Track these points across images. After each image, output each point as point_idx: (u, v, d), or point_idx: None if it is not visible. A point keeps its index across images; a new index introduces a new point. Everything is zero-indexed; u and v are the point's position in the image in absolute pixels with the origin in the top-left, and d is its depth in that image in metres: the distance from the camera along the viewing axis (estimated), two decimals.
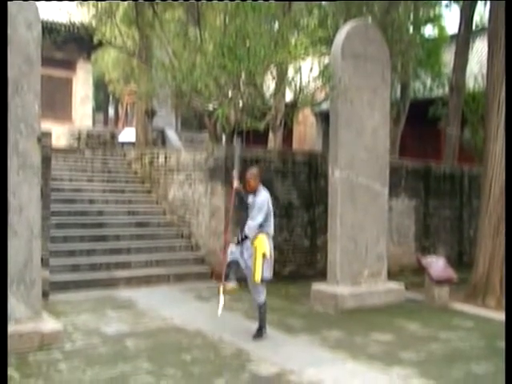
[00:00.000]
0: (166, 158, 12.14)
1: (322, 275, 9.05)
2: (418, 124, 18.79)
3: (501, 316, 8.23)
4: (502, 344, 6.65)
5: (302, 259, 10.63)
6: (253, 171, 6.60)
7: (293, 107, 11.93)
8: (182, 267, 10.12)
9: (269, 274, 6.40)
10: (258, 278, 6.19)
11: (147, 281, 9.39)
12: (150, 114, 17.20)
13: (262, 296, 6.46)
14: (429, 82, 19.13)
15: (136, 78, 15.59)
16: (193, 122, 26.52)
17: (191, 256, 10.61)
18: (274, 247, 10.00)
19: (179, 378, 5.15)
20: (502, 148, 9.35)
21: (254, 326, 6.71)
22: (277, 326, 7.02)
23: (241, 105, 10.77)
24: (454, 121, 15.80)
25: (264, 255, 6.29)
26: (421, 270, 9.16)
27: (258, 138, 15.98)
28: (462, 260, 12.57)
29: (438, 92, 18.66)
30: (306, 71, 10.80)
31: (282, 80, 11.49)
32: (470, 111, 16.15)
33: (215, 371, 5.35)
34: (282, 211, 10.47)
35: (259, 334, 6.47)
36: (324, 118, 21.39)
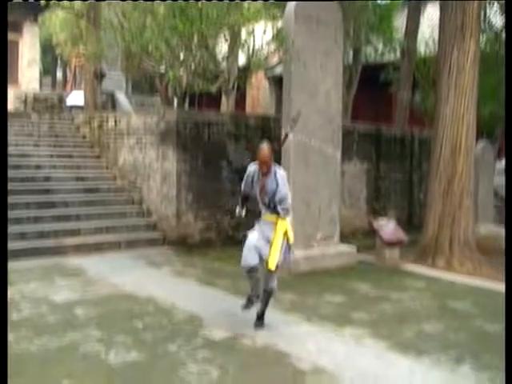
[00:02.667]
0: (115, 121, 11.79)
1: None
2: (369, 88, 18.85)
3: (450, 276, 8.48)
4: (452, 303, 6.85)
5: (254, 223, 10.58)
6: (268, 150, 5.40)
7: (246, 70, 11.74)
8: (133, 234, 9.95)
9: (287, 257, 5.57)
10: (273, 265, 5.31)
11: (97, 248, 9.19)
12: (99, 76, 16.69)
13: (275, 281, 5.57)
14: (380, 46, 19.15)
15: (84, 40, 15.04)
16: (144, 85, 25.87)
17: (143, 222, 10.43)
18: (227, 211, 9.98)
19: (130, 345, 5.06)
20: (453, 111, 9.47)
21: (208, 290, 6.65)
22: (230, 289, 6.99)
23: (193, 67, 10.52)
24: (405, 85, 15.94)
25: (288, 240, 5.48)
26: (372, 232, 9.28)
27: (210, 101, 15.75)
28: (412, 222, 12.81)
29: (390, 57, 18.72)
30: (260, 34, 10.61)
31: (234, 43, 11.26)
32: (420, 76, 16.30)
33: (167, 337, 5.28)
34: (235, 176, 10.36)
35: (262, 321, 5.67)
36: (277, 82, 21.23)
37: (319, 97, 8.78)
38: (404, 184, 13.11)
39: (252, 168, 5.64)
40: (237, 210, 5.91)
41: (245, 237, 5.76)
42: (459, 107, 9.48)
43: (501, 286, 7.84)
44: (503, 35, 16.50)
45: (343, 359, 4.91)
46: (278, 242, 5.35)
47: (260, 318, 5.67)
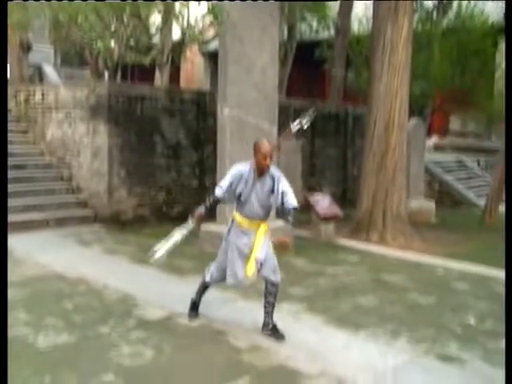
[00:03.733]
0: (43, 95, 11.24)
1: (211, 215, 8.89)
2: (304, 65, 18.90)
3: (383, 250, 8.63)
4: (386, 277, 6.96)
5: (190, 200, 10.41)
6: (271, 148, 4.87)
7: (180, 44, 11.46)
8: (62, 211, 9.57)
9: None
10: (250, 272, 4.75)
11: (25, 227, 8.78)
12: (26, 48, 15.87)
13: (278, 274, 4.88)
14: (315, 24, 19.22)
15: (8, 8, 14.21)
16: (73, 57, 24.92)
17: (72, 199, 10.05)
18: (161, 187, 9.73)
19: (60, 327, 4.84)
20: (386, 88, 9.56)
21: (142, 269, 6.45)
22: (165, 268, 6.82)
23: (125, 39, 10.15)
24: (339, 62, 16.06)
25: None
26: (308, 207, 9.29)
27: (143, 74, 15.34)
28: (346, 197, 12.96)
29: (324, 34, 18.82)
30: (195, 7, 10.34)
31: (168, 14, 10.93)
32: (354, 53, 16.45)
33: (99, 318, 5.09)
34: (170, 151, 10.15)
35: (274, 327, 4.85)
36: (212, 57, 20.92)
37: (255, 72, 8.65)
38: (339, 160, 13.24)
39: (243, 168, 4.87)
40: (197, 212, 5.03)
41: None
42: (392, 85, 9.58)
43: (431, 259, 8.08)
44: (434, 14, 16.86)
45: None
46: (260, 244, 4.81)
47: (274, 325, 4.84)
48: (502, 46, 19.15)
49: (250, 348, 4.56)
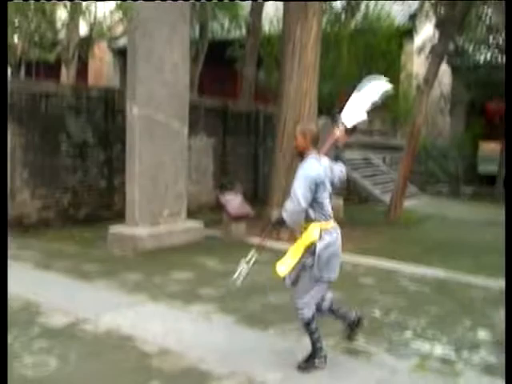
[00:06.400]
0: None
1: (120, 217, 8.71)
2: (216, 64, 18.86)
3: None
4: None
5: (98, 201, 10.14)
6: (304, 127, 4.31)
7: (87, 40, 11.12)
8: None
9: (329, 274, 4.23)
10: (281, 270, 4.33)
11: None
12: None
13: (306, 307, 4.23)
14: (227, 23, 19.25)
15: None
16: None
17: None
18: (67, 189, 9.37)
19: None
20: (296, 88, 9.71)
21: (46, 275, 6.19)
22: (71, 272, 6.59)
23: (28, 34, 9.72)
24: (251, 62, 16.15)
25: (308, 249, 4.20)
26: (219, 207, 9.30)
27: (49, 71, 14.72)
28: (258, 196, 13.07)
29: (236, 33, 18.89)
30: (102, 2, 10.06)
31: (75, 10, 10.56)
32: (265, 53, 16.61)
33: None
34: (76, 151, 9.81)
35: (310, 362, 4.30)
36: (122, 55, 20.45)
37: (166, 70, 8.53)
38: (250, 159, 13.32)
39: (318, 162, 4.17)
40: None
41: None
42: (302, 84, 9.74)
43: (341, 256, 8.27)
44: (343, 16, 17.32)
45: (190, 337, 4.82)
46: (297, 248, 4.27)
47: (309, 358, 4.33)
48: (407, 47, 20.02)
49: (159, 352, 4.47)
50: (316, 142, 4.21)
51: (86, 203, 9.97)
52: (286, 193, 9.34)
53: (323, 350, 4.33)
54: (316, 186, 4.08)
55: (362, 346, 4.81)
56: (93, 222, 9.63)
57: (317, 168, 4.10)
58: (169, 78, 8.56)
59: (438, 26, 13.82)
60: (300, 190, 4.03)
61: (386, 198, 13.57)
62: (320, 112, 11.89)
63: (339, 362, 4.47)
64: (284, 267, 4.31)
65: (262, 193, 13.10)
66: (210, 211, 10.94)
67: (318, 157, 4.18)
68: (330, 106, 16.14)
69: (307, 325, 4.24)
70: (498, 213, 15.37)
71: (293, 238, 9.17)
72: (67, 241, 8.13)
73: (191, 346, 4.62)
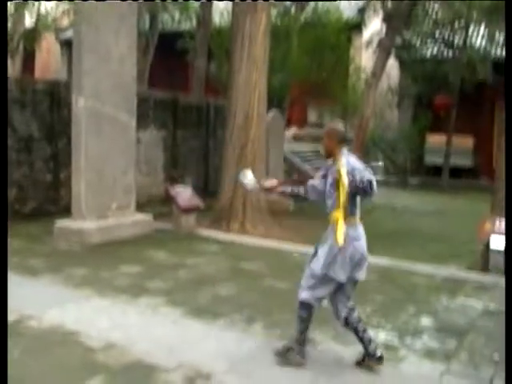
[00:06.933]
0: None
1: (67, 211, 8.54)
2: (166, 56, 18.73)
3: (244, 239, 8.79)
4: (245, 265, 7.10)
5: (44, 195, 9.90)
6: (330, 128, 4.24)
7: (33, 31, 10.85)
8: None
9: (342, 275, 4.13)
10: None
11: None
12: None
13: (305, 290, 4.26)
14: (177, 14, 19.12)
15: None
16: None
17: None
18: (12, 183, 9.11)
19: None
20: (245, 80, 9.73)
21: None
22: (16, 268, 6.41)
23: None
24: (201, 54, 16.09)
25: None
26: (169, 199, 9.24)
27: None
28: (208, 188, 13.01)
29: (186, 25, 18.78)
30: None
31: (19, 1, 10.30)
32: (216, 45, 16.57)
33: None
34: (21, 145, 9.55)
35: (288, 353, 4.28)
36: (70, 46, 20.04)
37: (112, 62, 8.40)
38: (201, 151, 13.26)
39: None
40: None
41: None
42: (251, 77, 9.77)
43: (289, 246, 8.38)
44: (293, 10, 17.42)
45: (137, 331, 4.78)
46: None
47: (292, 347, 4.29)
48: (356, 41, 20.31)
49: (104, 347, 4.42)
50: (343, 141, 4.13)
51: (32, 198, 9.73)
52: (236, 183, 9.47)
53: (304, 344, 4.25)
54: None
55: (309, 334, 4.88)
56: (39, 216, 9.40)
57: (352, 162, 3.99)
58: (115, 70, 8.44)
59: (386, 20, 14.11)
60: (365, 172, 3.90)
61: None
62: (271, 104, 11.96)
63: None
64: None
65: (212, 185, 13.06)
66: (160, 204, 10.84)
67: (347, 155, 4.09)
68: (281, 98, 16.25)
69: (299, 307, 4.27)
70: (445, 202, 15.86)
71: (242, 230, 9.29)
72: (12, 236, 7.87)
73: (138, 339, 4.59)
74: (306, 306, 4.24)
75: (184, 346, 4.54)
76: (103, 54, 8.24)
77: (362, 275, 4.24)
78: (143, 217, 8.81)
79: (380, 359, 4.24)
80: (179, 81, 20.20)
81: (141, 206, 9.26)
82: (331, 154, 4.12)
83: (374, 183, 3.88)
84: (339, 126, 4.25)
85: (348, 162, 3.97)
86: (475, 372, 4.28)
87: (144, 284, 6.09)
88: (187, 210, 8.77)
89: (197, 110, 13.21)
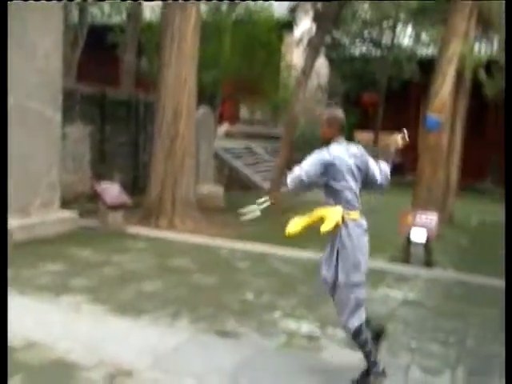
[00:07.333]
0: None
1: None
2: (96, 49, 18.32)
3: (172, 235, 8.76)
4: (173, 261, 7.09)
5: None
6: (331, 115, 3.95)
7: None
8: None
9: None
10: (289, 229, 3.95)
11: None
12: None
13: (351, 316, 3.83)
14: (107, 8, 18.74)
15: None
16: None
17: None
18: None
19: None
20: (175, 76, 9.67)
21: None
22: None
23: None
24: (131, 48, 15.86)
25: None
26: (96, 196, 9.08)
27: None
28: (137, 184, 12.81)
29: (116, 19, 18.44)
30: None
31: None
32: (146, 40, 16.38)
33: None
34: None
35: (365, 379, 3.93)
36: None
37: (38, 56, 8.17)
38: (130, 147, 13.06)
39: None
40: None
41: None
42: (181, 73, 9.73)
43: (218, 242, 8.40)
44: (224, 6, 17.43)
45: (59, 329, 4.69)
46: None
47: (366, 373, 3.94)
48: (287, 39, 20.55)
49: (25, 346, 4.31)
50: (342, 128, 3.92)
51: None
52: (164, 180, 9.40)
53: (377, 364, 3.88)
54: (325, 170, 3.77)
55: (232, 327, 4.94)
56: None
57: (336, 153, 3.79)
58: (41, 65, 8.22)
59: (315, 19, 14.32)
60: (306, 163, 3.80)
61: (267, 185, 13.89)
62: (202, 101, 11.94)
63: (209, 344, 4.57)
64: (292, 225, 3.95)
65: (142, 181, 12.90)
66: (87, 201, 10.61)
67: (344, 143, 3.90)
68: (213, 94, 16.24)
69: (355, 337, 3.85)
70: (370, 197, 16.26)
71: (171, 226, 9.25)
72: None
73: (59, 337, 4.51)
74: (359, 331, 3.84)
75: (106, 343, 4.49)
76: (28, 48, 8.02)
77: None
78: (68, 214, 8.60)
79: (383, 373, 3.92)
80: (109, 75, 19.78)
81: (67, 204, 9.04)
82: (330, 142, 3.88)
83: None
84: (339, 112, 3.96)
85: (348, 151, 3.85)
86: (393, 359, 4.46)
87: (67, 282, 5.97)
88: (114, 207, 8.64)
89: (126, 105, 13.00)
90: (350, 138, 16.25)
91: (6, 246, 4.05)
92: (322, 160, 3.78)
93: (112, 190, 8.79)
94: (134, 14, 15.87)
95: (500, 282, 7.13)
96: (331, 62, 20.44)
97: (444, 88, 10.77)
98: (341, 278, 3.80)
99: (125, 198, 8.87)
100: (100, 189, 8.76)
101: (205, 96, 13.21)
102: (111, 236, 8.37)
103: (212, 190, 12.13)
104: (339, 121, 3.90)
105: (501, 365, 3.99)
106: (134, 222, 9.18)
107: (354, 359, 4.37)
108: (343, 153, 3.83)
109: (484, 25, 13.10)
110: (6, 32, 5.08)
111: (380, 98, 18.97)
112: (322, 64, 19.05)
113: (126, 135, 12.91)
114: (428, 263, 7.84)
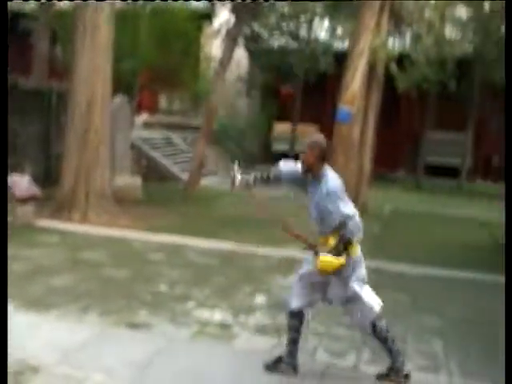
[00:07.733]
0: None
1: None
2: (9, 37, 17.54)
3: (86, 228, 8.57)
4: (85, 255, 6.95)
5: None
6: (312, 140, 4.05)
7: None
8: None
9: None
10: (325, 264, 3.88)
11: None
12: None
13: (369, 311, 4.00)
14: None
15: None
16: None
17: None
18: None
19: None
20: (88, 65, 9.43)
21: None
22: None
23: None
24: (44, 36, 15.32)
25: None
26: None
27: None
28: (50, 176, 12.39)
29: (29, 6, 17.73)
30: None
31: None
32: (60, 28, 15.85)
33: None
34: None
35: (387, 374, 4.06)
36: None
37: None
38: (42, 138, 12.62)
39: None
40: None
41: None
42: (95, 62, 9.51)
43: (132, 234, 8.31)
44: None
45: None
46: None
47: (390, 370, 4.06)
48: (207, 30, 20.45)
49: None
50: (324, 158, 3.97)
51: None
52: (78, 172, 9.16)
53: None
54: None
55: (144, 319, 4.93)
56: None
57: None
58: None
59: (233, 11, 14.37)
60: (343, 201, 3.91)
61: (185, 176, 13.84)
62: (119, 90, 11.71)
63: (119, 337, 4.55)
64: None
65: (54, 173, 12.48)
66: None
67: (328, 175, 3.98)
68: (131, 84, 15.95)
69: (375, 330, 4.03)
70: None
71: (84, 219, 9.03)
72: None
73: None
74: (376, 329, 4.04)
75: (13, 339, 4.35)
76: None
77: None
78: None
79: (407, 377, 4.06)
80: (21, 64, 19.02)
81: None
82: (311, 169, 3.97)
83: (350, 222, 3.85)
84: (322, 139, 4.03)
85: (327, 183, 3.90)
86: (302, 344, 4.59)
87: None
88: (24, 200, 8.33)
89: (38, 95, 12.55)
90: (269, 129, 16.48)
91: (6, 238, 3.96)
92: (342, 187, 4.00)
93: (22, 183, 8.47)
94: (47, 1, 15.30)
95: (409, 268, 7.51)
96: (251, 53, 20.54)
97: (354, 80, 11.11)
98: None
99: (35, 191, 8.58)
100: (9, 181, 8.41)
101: (122, 85, 12.94)
102: (20, 230, 8.04)
103: (129, 181, 11.93)
104: (321, 148, 3.96)
105: (405, 344, 4.23)
106: (45, 216, 8.88)
107: (267, 346, 4.49)
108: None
109: (396, 20, 13.60)
110: (6, 32, 4.83)
111: (297, 89, 19.27)
112: (242, 56, 19.12)
113: (37, 125, 12.47)
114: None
